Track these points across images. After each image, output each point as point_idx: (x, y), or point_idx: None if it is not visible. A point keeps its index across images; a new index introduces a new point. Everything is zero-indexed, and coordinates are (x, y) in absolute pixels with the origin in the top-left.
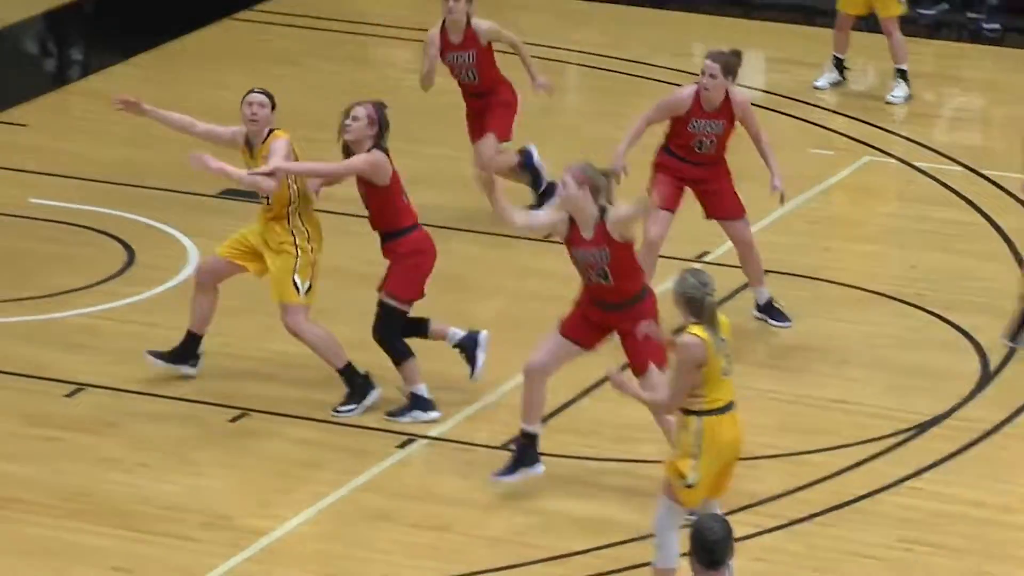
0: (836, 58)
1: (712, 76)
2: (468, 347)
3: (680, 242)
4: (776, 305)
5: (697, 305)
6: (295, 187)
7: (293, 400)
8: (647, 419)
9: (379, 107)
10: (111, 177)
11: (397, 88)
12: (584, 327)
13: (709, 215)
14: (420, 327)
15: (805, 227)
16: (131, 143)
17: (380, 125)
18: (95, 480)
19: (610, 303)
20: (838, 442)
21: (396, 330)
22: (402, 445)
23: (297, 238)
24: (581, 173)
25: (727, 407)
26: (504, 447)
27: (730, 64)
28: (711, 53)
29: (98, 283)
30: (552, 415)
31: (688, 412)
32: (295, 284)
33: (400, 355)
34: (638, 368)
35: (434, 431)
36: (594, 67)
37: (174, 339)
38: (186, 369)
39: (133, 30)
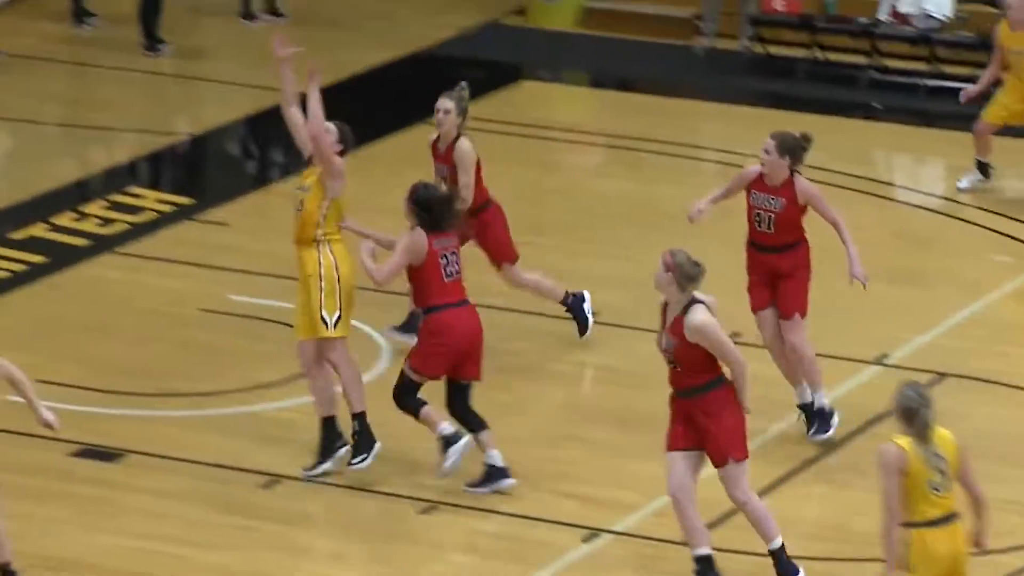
0: (980, 161)
1: (767, 152)
2: (445, 444)
3: (858, 344)
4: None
5: (910, 415)
6: (325, 212)
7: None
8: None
9: (418, 189)
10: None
11: (580, 191)
12: (683, 432)
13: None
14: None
15: (982, 332)
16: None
17: (417, 203)
18: (288, 570)
19: (680, 390)
20: (1013, 543)
21: (410, 396)
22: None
23: (322, 267)
24: (671, 258)
25: (940, 520)
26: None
27: (787, 143)
28: (774, 132)
29: (293, 378)
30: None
31: (903, 524)
32: (323, 319)
33: (415, 413)
34: (716, 459)
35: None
36: None
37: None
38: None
39: None
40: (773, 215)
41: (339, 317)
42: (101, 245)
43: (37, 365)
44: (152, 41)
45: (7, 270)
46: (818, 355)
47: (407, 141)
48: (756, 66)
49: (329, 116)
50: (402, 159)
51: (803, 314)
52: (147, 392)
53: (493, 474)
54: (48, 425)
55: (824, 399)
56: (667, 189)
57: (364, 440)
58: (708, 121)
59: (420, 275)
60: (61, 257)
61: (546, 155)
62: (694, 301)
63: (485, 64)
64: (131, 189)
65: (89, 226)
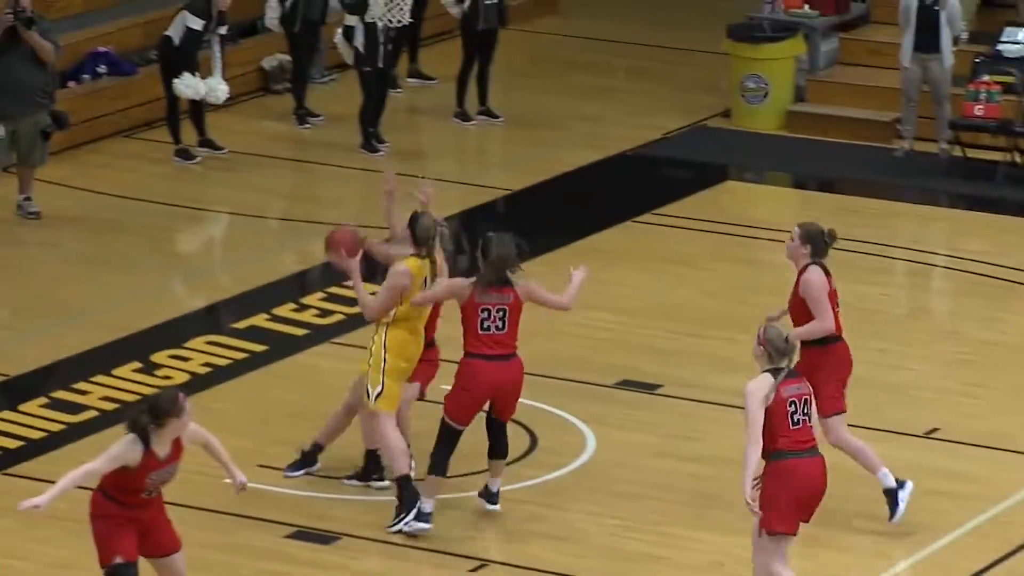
0: None
1: (792, 238)
2: (418, 516)
3: None
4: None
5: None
6: (397, 308)
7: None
8: None
9: (490, 240)
10: None
11: (783, 288)
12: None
13: None
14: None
15: None
16: (531, 331)
17: (483, 253)
18: None
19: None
20: None
21: (444, 443)
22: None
23: (373, 346)
24: (764, 333)
25: None
26: None
27: (810, 233)
28: (801, 222)
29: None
30: None
31: None
32: (367, 392)
33: (433, 467)
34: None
35: None
36: (979, 274)
37: (572, 521)
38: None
39: (545, 229)
40: (788, 304)
41: (380, 392)
42: (318, 335)
43: (255, 450)
44: (371, 141)
45: (228, 358)
46: None
47: (613, 238)
48: (954, 169)
49: (540, 212)
50: (608, 256)
51: (838, 412)
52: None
53: (483, 495)
54: (242, 487)
55: (887, 479)
56: (865, 287)
57: (407, 500)
58: (906, 222)
59: (462, 321)
60: (280, 346)
61: (750, 253)
62: (773, 372)
63: (691, 165)
64: (348, 282)
65: (308, 317)
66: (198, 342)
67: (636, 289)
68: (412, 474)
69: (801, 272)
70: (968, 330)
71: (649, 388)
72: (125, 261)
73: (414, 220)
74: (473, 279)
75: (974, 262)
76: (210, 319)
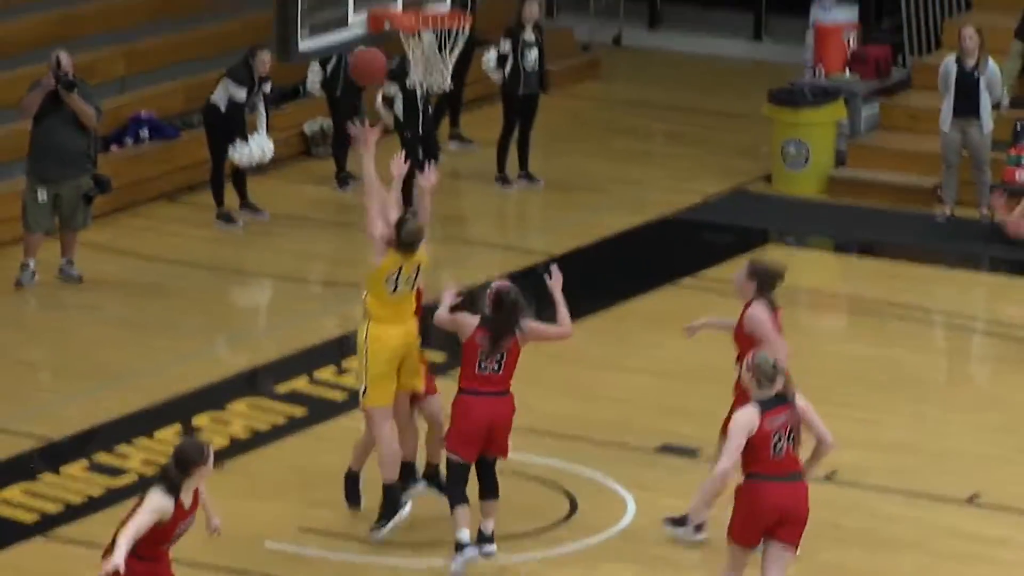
0: None
1: (740, 273)
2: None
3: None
4: None
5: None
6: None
7: None
8: None
9: (502, 290)
10: (553, 428)
11: (823, 353)
12: None
13: None
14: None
15: None
16: (571, 394)
17: (492, 298)
18: None
19: None
20: None
21: (454, 479)
22: None
23: (358, 337)
24: (752, 360)
25: None
26: None
27: (758, 270)
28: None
29: (541, 530)
30: None
31: None
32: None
33: (452, 501)
34: None
35: None
36: (1020, 339)
37: None
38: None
39: (586, 293)
40: (734, 335)
41: (364, 390)
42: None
43: (297, 513)
44: (409, 206)
45: (269, 422)
46: None
47: (654, 302)
48: (995, 234)
49: (580, 276)
50: (649, 320)
51: None
52: (408, 542)
53: (479, 539)
54: (215, 530)
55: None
56: (906, 353)
57: (388, 508)
58: (947, 287)
59: (461, 355)
60: (320, 410)
61: (791, 318)
62: (762, 402)
63: (732, 229)
64: None
65: (349, 380)
66: (239, 405)
67: (676, 352)
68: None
69: (747, 307)
70: (1009, 396)
71: (690, 452)
72: (166, 324)
73: (401, 224)
74: (479, 318)
75: (1015, 327)
76: (251, 383)
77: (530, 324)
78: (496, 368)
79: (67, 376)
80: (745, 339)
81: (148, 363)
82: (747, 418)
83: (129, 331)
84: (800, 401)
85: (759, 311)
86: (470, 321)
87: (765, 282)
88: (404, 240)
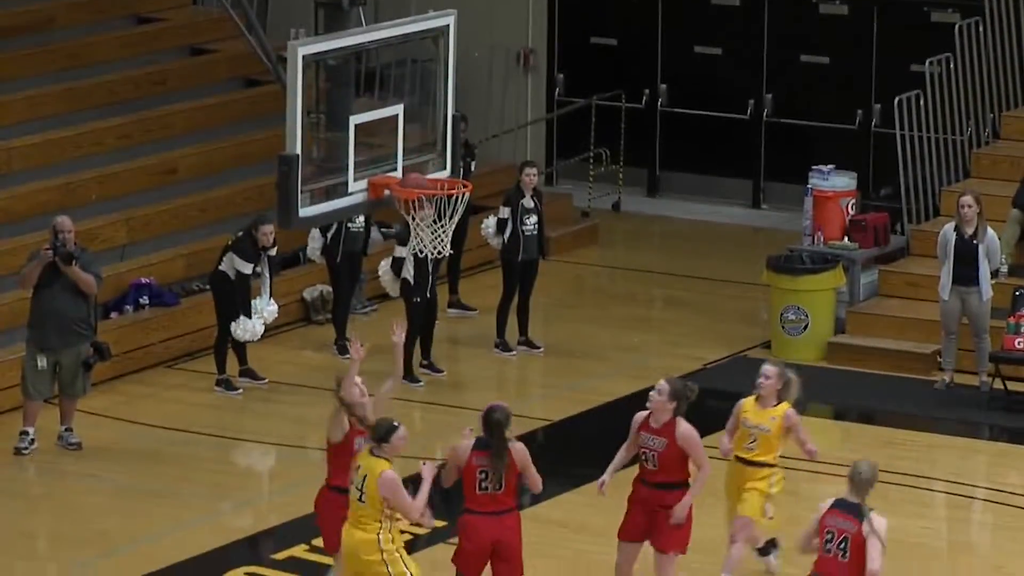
0: None
1: (659, 393)
2: None
3: None
4: None
5: None
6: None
7: None
8: None
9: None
10: None
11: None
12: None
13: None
14: None
15: None
16: (574, 567)
17: (484, 425)
18: None
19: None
20: None
21: None
22: None
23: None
24: (669, 384)
25: None
26: None
27: (676, 389)
28: (668, 378)
29: None
30: None
31: None
32: None
33: None
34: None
35: None
36: (1020, 507)
37: None
38: None
39: (586, 459)
40: (656, 455)
41: None
42: None
43: None
44: (409, 374)
45: None
46: None
47: None
48: (995, 402)
49: (579, 443)
50: None
51: (679, 552)
52: None
53: None
54: None
55: None
56: (907, 520)
57: None
58: (947, 454)
59: (462, 480)
60: None
61: (789, 485)
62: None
63: (731, 395)
64: None
65: None
66: (238, 573)
67: None
68: None
69: (670, 426)
70: (1009, 564)
71: None
72: (166, 492)
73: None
74: (473, 442)
75: (1015, 495)
76: (250, 550)
77: (517, 445)
78: (497, 487)
79: (66, 545)
80: (674, 459)
81: (147, 531)
82: None
83: (128, 499)
84: None
85: (689, 426)
86: (464, 445)
87: (678, 395)
88: (378, 435)
